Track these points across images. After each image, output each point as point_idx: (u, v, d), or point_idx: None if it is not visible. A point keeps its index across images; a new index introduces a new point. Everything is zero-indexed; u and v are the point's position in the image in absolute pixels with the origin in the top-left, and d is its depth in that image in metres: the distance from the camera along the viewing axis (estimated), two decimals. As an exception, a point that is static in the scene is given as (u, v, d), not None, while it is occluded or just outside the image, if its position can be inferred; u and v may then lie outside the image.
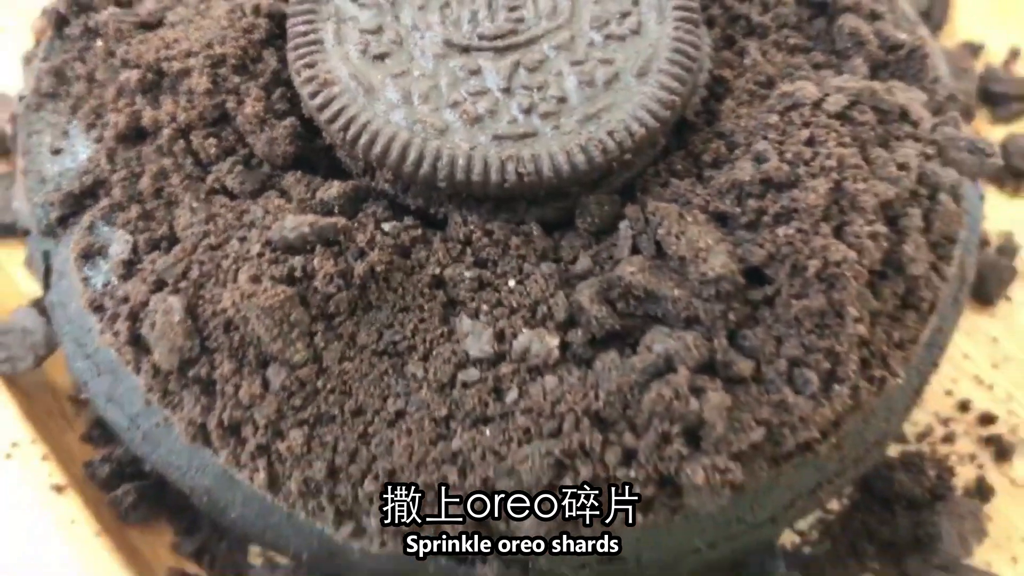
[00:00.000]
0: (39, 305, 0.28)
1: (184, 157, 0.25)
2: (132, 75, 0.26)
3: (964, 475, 0.30)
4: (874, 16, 0.28)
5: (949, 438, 0.30)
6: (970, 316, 0.32)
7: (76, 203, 0.26)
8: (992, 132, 0.34)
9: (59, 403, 0.28)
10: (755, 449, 0.22)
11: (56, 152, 0.26)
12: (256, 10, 0.26)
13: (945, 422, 0.30)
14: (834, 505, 0.29)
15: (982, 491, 0.30)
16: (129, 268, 0.24)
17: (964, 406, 0.31)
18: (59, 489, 0.26)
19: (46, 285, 0.26)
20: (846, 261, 0.22)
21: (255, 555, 0.27)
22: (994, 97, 0.35)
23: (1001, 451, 0.30)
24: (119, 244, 0.24)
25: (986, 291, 0.32)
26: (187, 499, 0.26)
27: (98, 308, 0.24)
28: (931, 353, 0.25)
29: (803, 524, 0.29)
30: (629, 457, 0.21)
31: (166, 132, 0.25)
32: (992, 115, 0.35)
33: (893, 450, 0.30)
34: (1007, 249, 0.32)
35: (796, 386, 0.22)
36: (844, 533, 0.29)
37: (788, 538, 0.29)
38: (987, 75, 0.35)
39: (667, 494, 0.22)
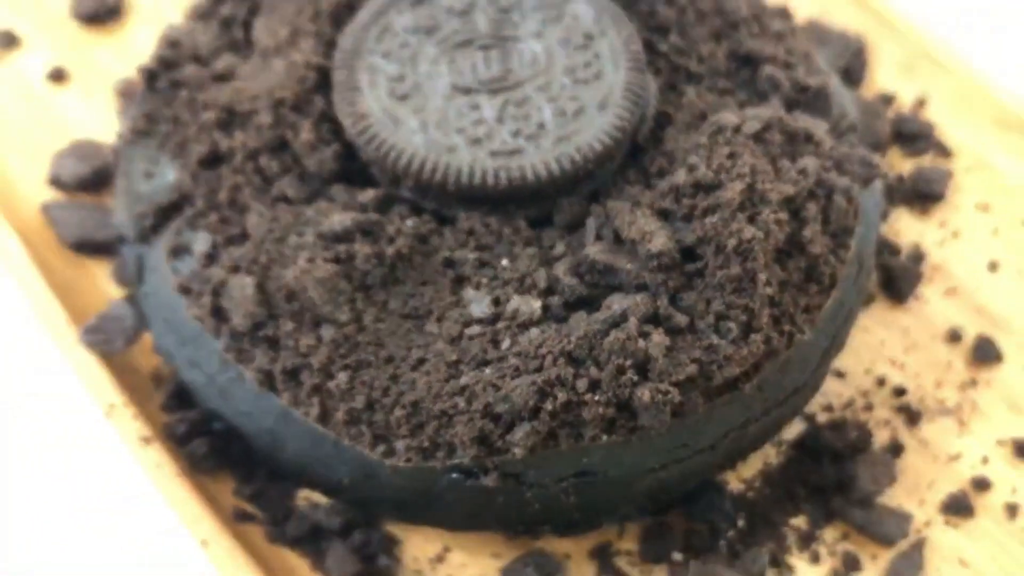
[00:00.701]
0: (129, 300, 0.33)
1: (253, 175, 0.30)
2: (210, 114, 0.31)
3: (881, 436, 0.34)
4: (788, 66, 0.33)
5: (868, 407, 0.34)
6: (886, 311, 0.36)
7: (165, 214, 0.31)
8: (903, 164, 0.39)
9: (143, 381, 0.33)
10: (691, 381, 0.27)
11: (149, 176, 0.32)
12: (307, 65, 0.32)
13: (865, 394, 0.35)
14: (773, 460, 0.33)
15: (895, 448, 0.33)
16: (210, 259, 0.30)
17: (881, 382, 0.35)
18: (147, 440, 0.31)
19: (139, 281, 0.32)
20: (756, 239, 0.27)
21: (300, 499, 0.32)
22: (904, 137, 0.40)
23: (911, 417, 0.34)
24: (202, 242, 0.30)
25: (899, 290, 0.36)
26: (247, 452, 0.31)
27: (186, 290, 0.30)
28: (835, 321, 0.30)
29: (747, 474, 0.33)
30: (594, 385, 0.26)
31: (238, 156, 0.31)
32: (902, 151, 0.40)
33: (822, 417, 0.34)
34: (915, 256, 0.37)
35: (721, 334, 0.27)
36: (781, 481, 0.33)
37: (735, 486, 0.33)
38: (898, 119, 0.40)
39: (625, 417, 0.27)
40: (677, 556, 0.31)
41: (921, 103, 0.41)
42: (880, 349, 0.36)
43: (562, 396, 0.26)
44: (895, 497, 0.33)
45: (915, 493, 0.33)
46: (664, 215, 0.29)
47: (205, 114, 0.32)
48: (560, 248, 0.29)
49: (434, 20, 0.32)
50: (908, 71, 0.41)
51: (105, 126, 0.38)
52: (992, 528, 0.32)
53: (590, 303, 0.28)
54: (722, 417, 0.29)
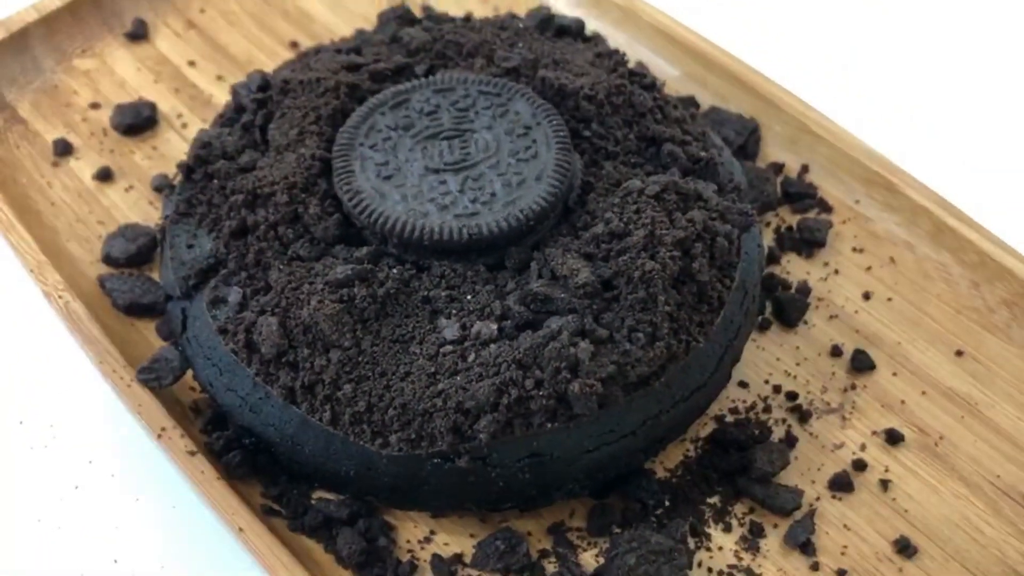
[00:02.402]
0: (175, 346, 0.40)
1: (273, 241, 0.37)
2: (238, 197, 0.38)
3: (778, 431, 0.40)
4: (685, 144, 0.40)
5: (767, 409, 0.40)
6: (781, 334, 0.43)
7: (204, 275, 0.38)
8: (792, 219, 0.46)
9: (184, 411, 0.40)
10: (611, 378, 0.33)
11: (190, 247, 0.39)
12: (312, 157, 0.38)
13: (764, 399, 0.41)
14: (691, 452, 0.39)
15: (790, 440, 0.39)
16: (242, 307, 0.36)
17: (777, 389, 0.41)
18: (192, 453, 0.37)
19: (183, 329, 0.39)
20: (655, 271, 0.34)
21: (315, 498, 0.38)
22: (791, 196, 0.47)
23: (802, 416, 0.40)
24: (235, 294, 0.37)
25: (790, 318, 0.43)
26: (272, 462, 0.37)
27: (224, 331, 0.36)
28: (726, 334, 0.37)
29: (671, 464, 0.39)
30: (539, 384, 0.33)
31: (261, 228, 0.37)
32: (791, 208, 0.47)
33: (730, 418, 0.40)
34: (803, 290, 0.44)
35: (633, 342, 0.34)
36: (698, 468, 0.39)
37: (662, 473, 0.39)
38: (786, 183, 0.47)
39: (563, 408, 0.33)
40: (616, 530, 0.38)
41: (805, 169, 0.48)
42: (776, 364, 0.42)
43: (515, 393, 0.33)
44: (791, 478, 0.39)
45: (807, 475, 0.39)
46: (588, 257, 0.36)
47: (233, 197, 0.38)
48: (511, 285, 0.36)
49: (409, 119, 0.40)
50: (793, 144, 0.48)
51: (144, 213, 0.46)
52: (869, 499, 0.39)
53: (534, 324, 0.35)
54: (639, 408, 0.35)
